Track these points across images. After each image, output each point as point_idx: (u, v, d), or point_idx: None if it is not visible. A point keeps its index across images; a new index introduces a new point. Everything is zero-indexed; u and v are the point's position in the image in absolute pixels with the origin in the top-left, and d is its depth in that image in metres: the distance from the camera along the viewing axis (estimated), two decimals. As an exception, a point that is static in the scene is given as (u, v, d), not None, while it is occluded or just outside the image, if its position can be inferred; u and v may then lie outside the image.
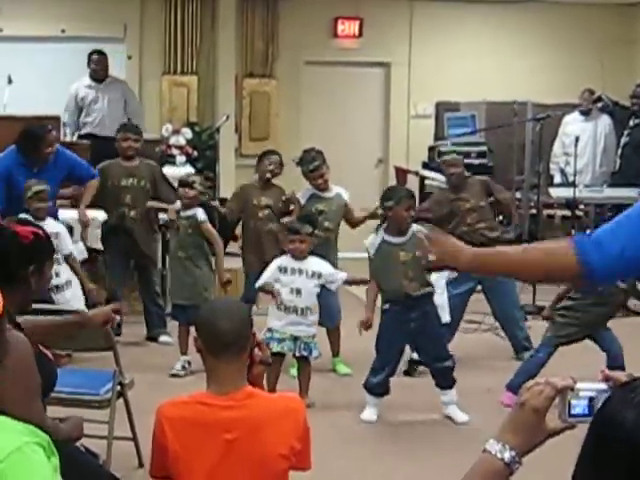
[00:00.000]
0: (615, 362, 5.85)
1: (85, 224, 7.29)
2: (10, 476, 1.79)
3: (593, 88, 10.74)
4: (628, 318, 8.20)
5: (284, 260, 6.10)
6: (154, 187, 7.60)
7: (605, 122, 10.73)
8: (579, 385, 1.72)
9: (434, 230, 2.69)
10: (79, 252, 7.05)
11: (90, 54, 9.87)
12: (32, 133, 6.96)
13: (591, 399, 1.71)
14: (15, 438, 1.84)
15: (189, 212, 6.95)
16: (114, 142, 7.63)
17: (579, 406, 1.72)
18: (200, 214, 6.97)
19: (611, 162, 10.59)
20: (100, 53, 9.90)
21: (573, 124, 10.69)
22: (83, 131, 9.76)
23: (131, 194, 7.52)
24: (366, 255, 6.02)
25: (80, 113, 9.83)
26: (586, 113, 10.67)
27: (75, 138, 9.59)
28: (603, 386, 1.73)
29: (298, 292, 6.03)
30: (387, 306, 5.85)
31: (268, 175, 7.13)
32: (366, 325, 5.79)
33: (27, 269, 3.15)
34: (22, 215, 6.14)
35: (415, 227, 5.84)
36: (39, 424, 2.16)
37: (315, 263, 6.13)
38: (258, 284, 6.15)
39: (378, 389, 5.88)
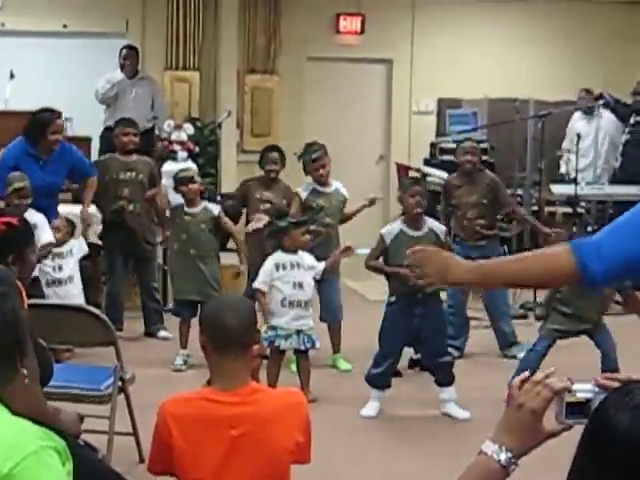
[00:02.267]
0: (608, 362, 5.78)
1: (88, 222, 7.31)
2: (24, 479, 1.81)
3: (590, 87, 10.69)
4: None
5: (279, 256, 6.08)
6: (151, 183, 7.66)
7: (609, 120, 10.65)
8: (576, 386, 1.73)
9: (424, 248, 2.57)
10: (80, 249, 7.05)
11: (121, 49, 9.86)
12: (40, 117, 6.98)
13: (588, 400, 1.71)
14: (32, 441, 1.85)
15: (195, 209, 6.96)
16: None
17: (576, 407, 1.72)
18: (214, 209, 7.02)
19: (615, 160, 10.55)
20: (130, 48, 9.89)
21: (577, 121, 10.67)
22: (108, 123, 9.53)
23: (129, 188, 7.59)
24: (365, 252, 6.05)
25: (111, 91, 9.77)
26: (588, 112, 10.61)
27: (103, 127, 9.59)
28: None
29: (300, 286, 6.03)
30: (393, 299, 5.86)
31: (272, 175, 7.26)
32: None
33: (6, 259, 3.16)
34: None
35: (431, 222, 5.94)
36: (39, 408, 2.17)
37: (306, 256, 6.15)
38: (256, 285, 6.10)
39: (379, 381, 5.90)
